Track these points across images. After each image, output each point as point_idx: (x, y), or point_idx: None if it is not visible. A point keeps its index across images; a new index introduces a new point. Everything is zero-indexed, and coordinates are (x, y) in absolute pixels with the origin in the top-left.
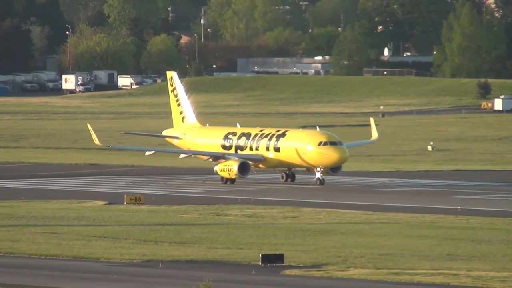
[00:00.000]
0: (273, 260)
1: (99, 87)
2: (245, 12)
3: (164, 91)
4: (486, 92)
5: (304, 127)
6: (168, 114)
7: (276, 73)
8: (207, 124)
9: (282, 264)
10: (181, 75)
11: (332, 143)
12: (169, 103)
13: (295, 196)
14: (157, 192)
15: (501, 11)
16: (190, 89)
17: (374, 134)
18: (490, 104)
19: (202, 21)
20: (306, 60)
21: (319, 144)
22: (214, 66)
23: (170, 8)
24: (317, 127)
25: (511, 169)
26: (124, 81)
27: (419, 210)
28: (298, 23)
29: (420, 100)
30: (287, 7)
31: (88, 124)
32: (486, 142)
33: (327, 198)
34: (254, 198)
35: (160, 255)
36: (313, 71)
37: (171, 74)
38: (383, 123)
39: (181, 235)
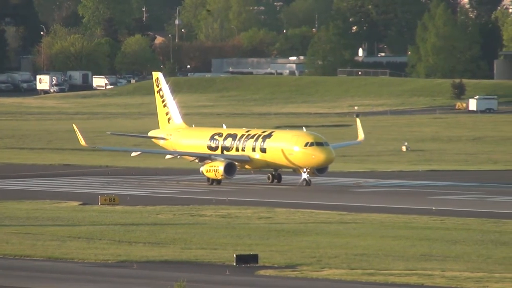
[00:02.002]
0: (247, 260)
1: (73, 88)
2: (220, 13)
3: (138, 91)
4: (460, 93)
5: (278, 127)
6: (142, 115)
7: (251, 73)
8: (193, 125)
9: (257, 265)
10: None
11: (318, 144)
12: (144, 103)
13: (270, 197)
14: (132, 192)
15: (476, 12)
16: None
17: (361, 135)
18: (464, 105)
19: (176, 22)
20: (280, 60)
21: (306, 145)
22: (188, 66)
23: (144, 9)
24: (304, 127)
25: (486, 169)
26: (99, 81)
27: (394, 211)
28: (272, 24)
29: (395, 101)
30: (262, 8)
31: (73, 125)
32: (460, 143)
33: (302, 199)
34: (228, 198)
35: (135, 256)
36: (287, 71)
37: (157, 75)
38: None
39: (156, 235)
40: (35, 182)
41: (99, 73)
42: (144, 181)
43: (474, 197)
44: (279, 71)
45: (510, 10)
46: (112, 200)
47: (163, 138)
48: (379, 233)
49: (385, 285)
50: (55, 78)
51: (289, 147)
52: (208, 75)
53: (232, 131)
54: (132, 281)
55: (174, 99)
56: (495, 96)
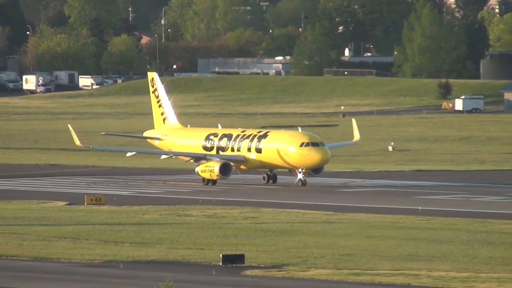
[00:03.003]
0: (233, 260)
1: (59, 88)
2: (206, 13)
3: (124, 91)
4: (446, 93)
5: (264, 127)
6: (129, 114)
7: (237, 73)
8: (189, 125)
9: (243, 265)
10: (142, 76)
11: (314, 144)
12: (131, 103)
13: (256, 197)
14: (118, 192)
15: (462, 12)
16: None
17: (356, 135)
18: (450, 105)
19: (162, 22)
20: (267, 60)
21: (301, 145)
22: (174, 66)
23: (130, 9)
24: (299, 128)
25: (472, 169)
26: (85, 81)
27: (380, 211)
28: (259, 24)
29: (381, 100)
30: (248, 8)
31: (69, 125)
32: (446, 143)
33: (288, 199)
34: (215, 198)
35: (121, 256)
36: (274, 71)
37: (152, 75)
38: (343, 124)
39: (142, 235)
40: (21, 182)
41: (85, 73)
42: (130, 181)
43: (461, 197)
44: (265, 71)
45: (496, 10)
46: (98, 200)
47: (158, 139)
48: (366, 233)
49: (372, 285)
50: (41, 78)
51: (285, 147)
52: (194, 75)
53: (227, 131)
54: (119, 281)
55: (169, 99)
56: (481, 96)
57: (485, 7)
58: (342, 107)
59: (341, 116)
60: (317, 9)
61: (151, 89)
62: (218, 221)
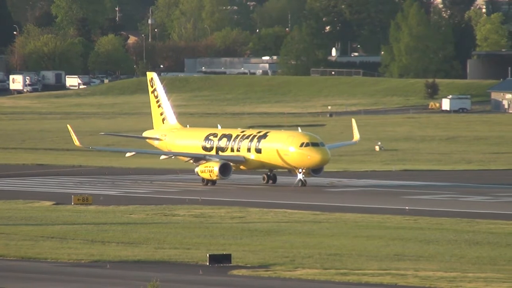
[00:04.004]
0: (220, 260)
1: (46, 87)
2: (193, 12)
3: (111, 91)
4: (433, 92)
5: (251, 127)
6: (116, 114)
7: (224, 73)
8: (188, 125)
9: (230, 265)
10: (129, 75)
11: (314, 144)
12: (118, 103)
13: (243, 196)
14: (105, 192)
15: (449, 11)
16: (138, 89)
17: (356, 136)
18: (437, 104)
19: (149, 21)
20: (253, 60)
21: (301, 145)
22: (161, 66)
23: (117, 9)
24: (299, 128)
25: (459, 169)
26: (72, 81)
27: (367, 210)
28: (245, 23)
29: (368, 100)
30: (235, 7)
31: (68, 125)
32: (433, 142)
33: (275, 198)
34: (201, 198)
35: (108, 256)
36: (260, 71)
37: (151, 75)
38: (330, 123)
39: (129, 235)
40: (8, 182)
41: (72, 73)
42: (117, 181)
43: (448, 197)
44: (252, 71)
45: (483, 10)
46: (85, 200)
47: (157, 139)
48: (353, 233)
49: (359, 285)
50: (28, 78)
51: (285, 147)
52: (181, 75)
53: (227, 131)
54: (105, 281)
55: (168, 99)
56: (468, 96)
57: (472, 7)
58: (329, 107)
59: (328, 116)
60: (304, 9)
61: (150, 89)
62: (205, 221)
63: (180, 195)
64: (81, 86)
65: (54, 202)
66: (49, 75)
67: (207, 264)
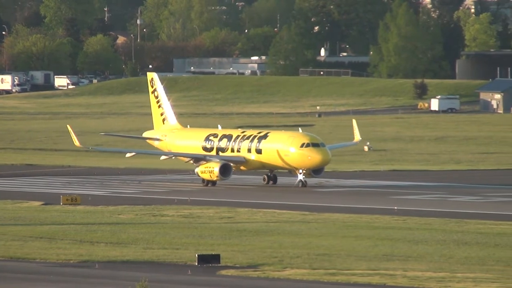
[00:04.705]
0: (209, 260)
1: (35, 88)
2: (182, 13)
3: (100, 91)
4: (422, 93)
5: (240, 127)
6: (105, 114)
7: (213, 73)
8: (188, 126)
9: (219, 265)
10: (117, 76)
11: (314, 145)
12: (106, 103)
13: (232, 197)
14: (94, 192)
15: (438, 12)
16: (126, 90)
17: (357, 136)
18: (426, 105)
19: (138, 22)
20: (242, 60)
21: (302, 146)
22: (150, 66)
23: (106, 9)
24: (300, 128)
25: (448, 169)
26: (61, 81)
27: (356, 211)
28: (234, 24)
29: (357, 100)
30: (224, 8)
31: (68, 126)
32: (422, 143)
33: (264, 199)
34: (190, 198)
35: (97, 256)
36: (249, 71)
37: (152, 75)
38: (319, 123)
39: (118, 235)
40: None
41: (61, 73)
42: (106, 181)
43: (436, 197)
44: (241, 71)
45: (472, 10)
46: (74, 200)
47: (157, 139)
48: (341, 233)
49: (347, 285)
50: (17, 78)
51: (285, 148)
52: (170, 75)
53: (227, 132)
54: (94, 281)
55: (169, 99)
56: (457, 96)
57: (461, 7)
58: (318, 107)
59: (316, 116)
60: (293, 9)
61: (150, 90)
62: (194, 221)
63: (169, 195)
64: (70, 86)
65: (42, 202)
66: (38, 75)
67: (196, 264)
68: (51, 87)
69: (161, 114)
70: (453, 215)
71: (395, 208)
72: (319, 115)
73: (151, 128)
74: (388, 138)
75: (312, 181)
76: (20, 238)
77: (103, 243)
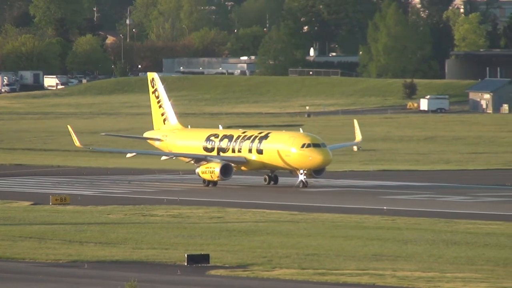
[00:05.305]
0: (198, 260)
1: (24, 88)
2: (171, 12)
3: (89, 91)
4: (411, 92)
5: (229, 127)
6: (94, 114)
7: (202, 73)
8: (189, 126)
9: (208, 265)
10: (107, 76)
11: (315, 145)
12: (96, 103)
13: (221, 197)
14: (83, 192)
15: (427, 11)
16: (116, 89)
17: (358, 136)
18: (416, 104)
19: (127, 21)
20: (231, 60)
21: (303, 146)
22: (139, 66)
23: (95, 9)
24: (300, 129)
25: (437, 169)
26: (50, 81)
27: (345, 210)
28: (223, 23)
29: (346, 100)
30: (213, 7)
31: (68, 126)
32: (411, 142)
33: (253, 198)
34: (180, 198)
35: (86, 256)
36: (238, 71)
37: (152, 75)
38: (309, 123)
39: (107, 235)
40: None
41: (50, 73)
42: (95, 181)
43: (426, 197)
44: (230, 71)
45: (461, 10)
46: (63, 200)
47: (158, 139)
48: (331, 233)
49: (336, 285)
50: (6, 78)
51: (286, 148)
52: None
53: (228, 132)
54: (83, 281)
55: (169, 99)
56: (447, 96)
57: (450, 7)
58: (307, 107)
59: (306, 116)
60: (282, 9)
61: (151, 90)
62: (183, 221)
63: (158, 195)
64: (59, 86)
65: (32, 202)
66: (27, 75)
67: (185, 264)
68: (41, 87)
69: (162, 114)
70: (443, 215)
71: (385, 208)
72: (309, 115)
73: (141, 127)
74: (378, 138)
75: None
76: (9, 238)
77: (93, 243)
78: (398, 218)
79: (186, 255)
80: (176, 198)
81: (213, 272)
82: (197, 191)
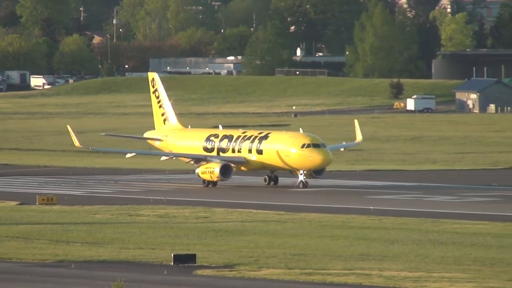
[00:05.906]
0: (185, 260)
1: (11, 87)
2: (158, 12)
3: (76, 91)
4: (398, 92)
5: (215, 127)
6: (81, 114)
7: (189, 73)
8: (189, 126)
9: (194, 265)
10: (93, 75)
11: (315, 145)
12: (83, 103)
13: (208, 196)
14: (70, 192)
15: (414, 11)
16: (102, 89)
17: (359, 136)
18: (402, 104)
19: (114, 21)
20: (218, 60)
21: (302, 146)
22: (126, 66)
23: (82, 8)
24: (300, 129)
25: (424, 169)
26: (37, 81)
27: (332, 210)
28: (210, 23)
29: (333, 100)
30: (200, 7)
31: (68, 126)
32: (398, 142)
33: (240, 198)
34: (166, 198)
35: (73, 256)
36: (225, 71)
37: (153, 75)
38: (295, 123)
39: (93, 235)
40: None
41: (37, 72)
42: (82, 181)
43: (412, 197)
44: (217, 71)
45: (448, 10)
46: (50, 200)
47: (158, 139)
48: (317, 232)
49: (323, 285)
50: None
51: (286, 148)
52: (146, 74)
53: (228, 132)
54: (70, 281)
55: (169, 99)
56: (433, 96)
57: (437, 7)
58: (293, 107)
59: (292, 116)
60: (269, 8)
61: (151, 90)
62: (170, 221)
63: (145, 195)
64: (46, 86)
65: (18, 202)
66: (14, 75)
67: (172, 264)
68: (27, 87)
69: (162, 114)
70: (429, 215)
71: (371, 208)
72: (295, 115)
73: (129, 128)
74: (364, 138)
75: (288, 181)
76: None
77: (79, 243)
78: (385, 218)
79: (172, 255)
80: (163, 198)
81: (199, 272)
82: (184, 191)
